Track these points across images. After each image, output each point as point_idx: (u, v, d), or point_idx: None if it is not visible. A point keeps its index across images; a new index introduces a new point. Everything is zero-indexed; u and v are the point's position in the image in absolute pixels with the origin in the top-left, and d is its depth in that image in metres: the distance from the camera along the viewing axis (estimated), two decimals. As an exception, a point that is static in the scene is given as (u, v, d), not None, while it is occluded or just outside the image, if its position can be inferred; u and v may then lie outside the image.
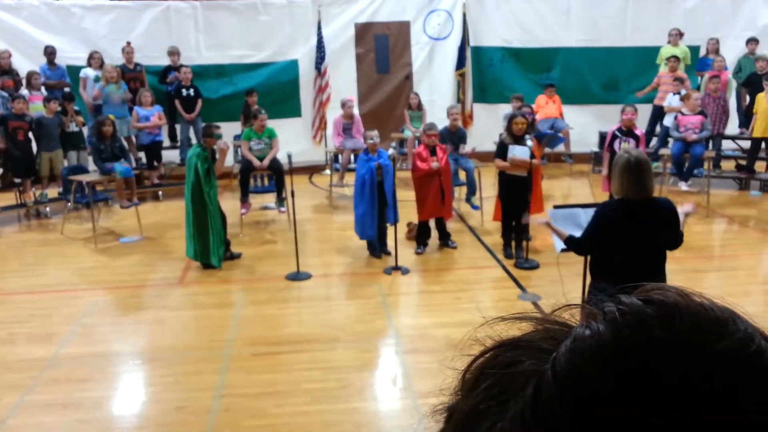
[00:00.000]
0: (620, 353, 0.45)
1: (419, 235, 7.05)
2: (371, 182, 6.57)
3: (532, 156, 6.46)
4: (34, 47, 9.92)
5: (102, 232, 7.91)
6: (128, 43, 9.96)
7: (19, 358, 4.96)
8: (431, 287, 6.32)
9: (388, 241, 6.87)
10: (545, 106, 10.14)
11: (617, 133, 7.61)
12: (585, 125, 10.63)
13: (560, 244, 4.76)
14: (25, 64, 9.70)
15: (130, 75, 9.91)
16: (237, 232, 7.60)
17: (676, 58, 9.87)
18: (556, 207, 4.89)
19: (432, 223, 7.10)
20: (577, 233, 4.35)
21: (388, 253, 6.81)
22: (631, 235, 3.58)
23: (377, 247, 6.89)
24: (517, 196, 6.48)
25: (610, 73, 10.97)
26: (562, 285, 4.92)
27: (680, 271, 5.92)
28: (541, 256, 6.68)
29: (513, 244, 6.75)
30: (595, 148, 10.43)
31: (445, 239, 7.15)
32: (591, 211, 4.39)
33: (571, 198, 9.00)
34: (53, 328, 5.48)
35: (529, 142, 6.43)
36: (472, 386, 0.50)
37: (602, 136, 10.29)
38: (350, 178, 9.51)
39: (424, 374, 4.68)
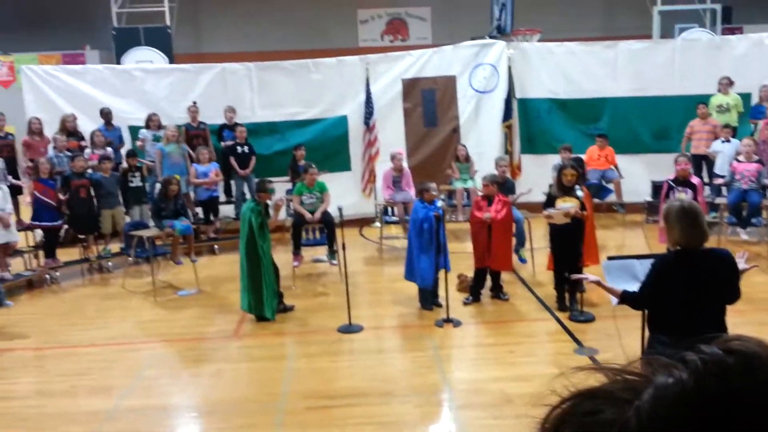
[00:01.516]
0: (703, 401, 0.48)
1: (474, 285, 7.03)
2: (430, 230, 6.62)
3: (583, 207, 6.43)
4: (97, 109, 10.44)
5: (161, 286, 8.15)
6: (194, 103, 10.41)
7: (80, 410, 5.09)
8: (484, 340, 6.27)
9: (440, 292, 6.87)
10: (597, 159, 10.11)
11: (672, 183, 7.53)
12: (636, 175, 10.52)
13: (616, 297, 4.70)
14: (89, 126, 10.22)
15: (194, 132, 10.34)
16: (289, 284, 7.72)
17: (704, 104, 9.87)
18: (610, 258, 4.83)
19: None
20: (633, 285, 4.29)
21: (440, 305, 6.80)
22: (690, 287, 3.52)
23: (430, 297, 6.90)
24: (568, 247, 6.43)
25: (659, 122, 10.89)
26: (619, 338, 4.83)
27: (744, 324, 5.72)
28: (597, 308, 6.57)
29: (567, 296, 6.66)
30: (648, 198, 10.29)
31: (497, 291, 7.12)
32: (646, 263, 4.33)
33: (624, 249, 8.87)
34: (113, 380, 5.62)
35: (580, 192, 6.41)
36: None
37: (654, 186, 10.19)
38: (396, 230, 9.64)
39: (480, 430, 4.62)
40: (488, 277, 7.10)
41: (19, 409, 5.11)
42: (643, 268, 4.48)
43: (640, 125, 10.97)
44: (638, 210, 10.37)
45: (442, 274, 6.63)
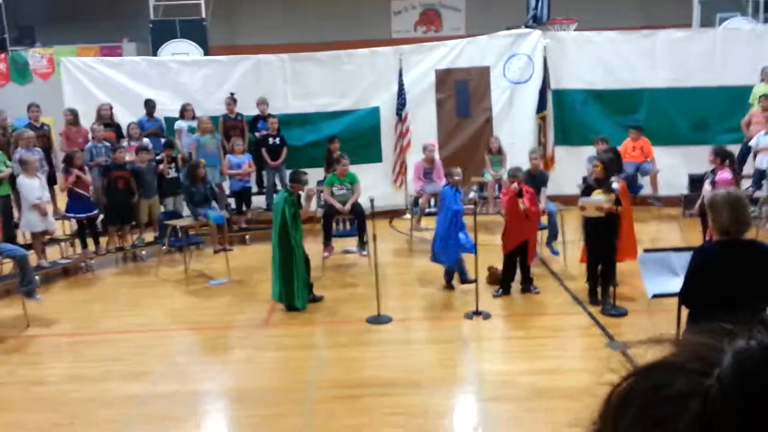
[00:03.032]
0: None
1: (504, 276, 6.95)
2: (456, 214, 6.86)
3: (618, 201, 6.29)
4: (134, 100, 10.61)
5: (193, 275, 8.24)
6: (231, 94, 10.49)
7: (114, 395, 5.18)
8: (514, 333, 6.21)
9: (469, 286, 6.81)
10: (632, 151, 9.89)
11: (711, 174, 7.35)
12: (674, 167, 10.28)
13: (652, 290, 4.60)
14: (126, 116, 10.38)
15: (232, 124, 10.43)
16: (319, 275, 7.74)
17: (767, 97, 9.49)
18: (646, 251, 4.73)
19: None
20: (670, 279, 4.19)
21: (473, 280, 6.71)
22: (733, 278, 3.37)
23: (459, 274, 7.01)
24: (603, 240, 6.31)
25: (699, 113, 10.61)
26: (654, 333, 4.71)
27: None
28: (630, 302, 6.43)
29: (599, 289, 6.54)
30: (685, 191, 10.06)
31: (527, 284, 7.03)
32: (684, 255, 4.22)
33: (659, 242, 8.67)
34: (146, 366, 5.71)
35: (616, 185, 6.28)
36: (616, 413, 0.51)
37: (692, 179, 9.95)
38: (427, 222, 9.57)
39: (509, 423, 4.58)
40: (518, 271, 7.01)
41: (54, 394, 5.22)
42: (681, 261, 4.38)
43: (678, 116, 10.71)
44: (675, 203, 10.14)
45: (471, 264, 6.59)
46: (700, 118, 10.61)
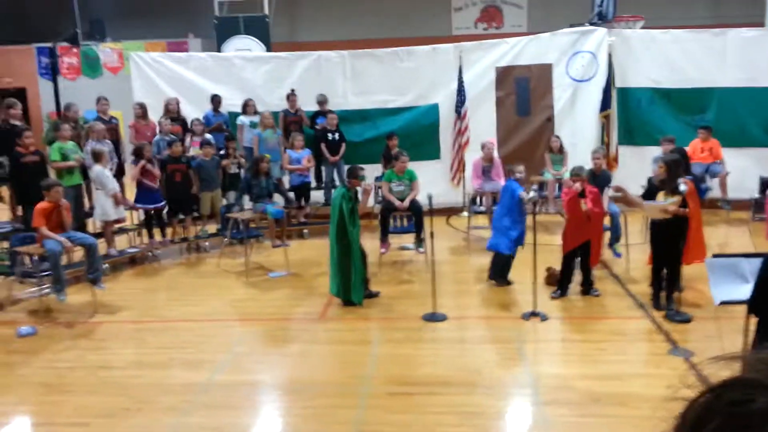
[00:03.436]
0: None
1: (562, 276, 6.84)
2: (518, 204, 7.00)
3: (684, 204, 6.10)
4: (199, 95, 10.89)
5: (253, 267, 8.41)
6: (292, 91, 10.65)
7: (176, 382, 5.34)
8: (572, 336, 6.10)
9: (526, 287, 6.72)
10: (700, 152, 9.56)
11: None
12: (744, 169, 9.89)
13: (720, 296, 4.45)
14: (191, 110, 10.66)
15: (292, 119, 10.59)
16: (376, 271, 7.77)
17: None
18: (715, 256, 4.57)
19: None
20: (740, 285, 4.05)
21: (509, 282, 7.16)
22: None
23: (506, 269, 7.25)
24: (669, 243, 6.13)
25: (771, 114, 10.18)
26: (720, 341, 4.56)
27: None
28: (695, 309, 6.23)
29: (663, 294, 6.35)
30: (756, 194, 9.67)
31: (587, 286, 6.89)
32: (755, 261, 4.08)
33: (728, 248, 8.36)
34: (207, 355, 5.87)
35: (683, 187, 6.09)
36: (694, 428, 0.50)
37: (763, 182, 9.57)
38: (483, 221, 9.49)
39: (565, 428, 4.50)
40: (578, 272, 6.89)
41: (119, 379, 5.41)
42: (752, 267, 4.22)
43: (749, 117, 10.29)
44: (745, 207, 9.76)
45: (528, 264, 6.52)
46: (772, 120, 10.18)
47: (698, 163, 9.43)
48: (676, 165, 6.44)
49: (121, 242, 9.05)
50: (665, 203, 6.11)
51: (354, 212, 6.85)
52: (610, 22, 11.21)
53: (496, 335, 6.13)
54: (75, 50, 16.20)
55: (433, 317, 6.42)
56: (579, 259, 6.84)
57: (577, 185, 6.66)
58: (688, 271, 6.31)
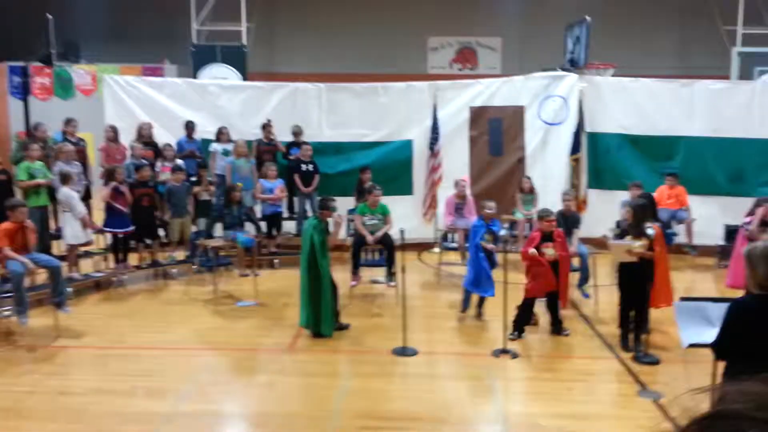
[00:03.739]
0: None
1: (519, 317, 6.73)
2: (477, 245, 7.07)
3: (652, 247, 6.22)
4: (173, 121, 10.81)
5: (221, 295, 8.29)
6: (269, 121, 10.65)
7: (139, 410, 5.19)
8: (542, 374, 6.11)
9: (496, 324, 6.73)
10: (667, 198, 9.80)
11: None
12: (709, 217, 10.14)
13: (688, 339, 4.51)
14: (165, 136, 10.57)
15: (266, 148, 10.57)
16: (346, 303, 7.72)
17: None
18: (683, 299, 4.65)
19: (541, 308, 6.93)
20: (706, 329, 4.13)
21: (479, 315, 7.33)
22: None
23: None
24: (637, 286, 6.23)
25: (736, 164, 10.49)
26: (688, 383, 4.62)
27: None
28: (663, 351, 6.30)
29: (631, 336, 6.43)
30: (721, 241, 9.91)
31: (557, 326, 6.93)
32: (722, 306, 4.15)
33: (694, 291, 8.55)
34: (171, 383, 5.72)
35: (651, 230, 6.22)
36: None
37: (728, 229, 9.82)
38: (455, 257, 9.53)
39: (535, 466, 4.48)
40: (547, 312, 6.93)
41: (79, 405, 5.24)
42: (718, 311, 4.29)
43: (715, 166, 10.60)
44: (711, 253, 9.99)
45: (498, 301, 6.55)
46: (737, 169, 10.50)
47: (665, 209, 9.65)
48: (643, 209, 6.59)
49: (86, 266, 8.85)
50: (631, 244, 6.23)
51: (325, 244, 6.82)
52: (581, 68, 11.53)
53: (467, 372, 6.11)
54: (48, 70, 16.02)
55: (403, 351, 6.38)
56: (546, 300, 6.87)
57: (550, 251, 6.63)
58: (655, 314, 6.40)
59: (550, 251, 6.67)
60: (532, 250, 6.60)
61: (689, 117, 10.75)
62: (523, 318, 6.74)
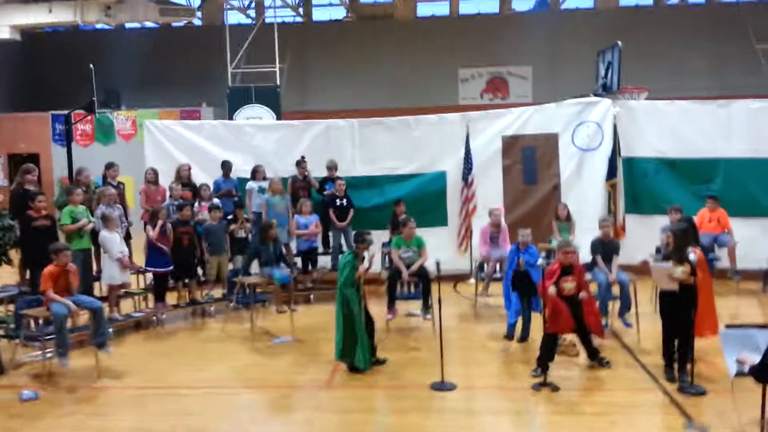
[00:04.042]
0: None
1: (542, 354, 6.48)
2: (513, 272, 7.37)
3: (694, 272, 6.05)
4: (210, 162, 11.05)
5: (259, 332, 8.33)
6: (303, 158, 10.82)
7: (178, 451, 5.20)
8: (583, 408, 5.94)
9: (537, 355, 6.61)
10: (708, 222, 9.57)
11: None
12: (752, 240, 9.86)
13: (736, 369, 4.36)
14: (203, 177, 10.79)
15: (301, 185, 10.71)
16: (383, 337, 7.68)
17: None
18: (728, 327, 4.51)
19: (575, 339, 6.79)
20: (755, 357, 3.98)
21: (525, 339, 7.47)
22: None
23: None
24: (680, 314, 6.04)
25: (778, 184, 10.23)
26: (737, 414, 4.44)
27: None
28: (709, 382, 6.08)
29: (675, 366, 6.22)
30: (765, 265, 9.61)
31: (595, 357, 6.74)
32: (769, 333, 4.02)
33: (739, 318, 8.26)
34: (210, 423, 5.74)
35: (692, 256, 6.06)
36: None
37: (774, 252, 9.54)
38: (495, 289, 9.41)
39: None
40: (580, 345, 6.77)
41: (121, 445, 5.28)
42: (766, 338, 4.16)
43: (756, 187, 10.35)
44: (754, 277, 9.69)
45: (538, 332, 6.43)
46: (780, 190, 10.22)
47: (706, 233, 9.41)
48: (684, 234, 6.42)
49: (126, 306, 9.00)
50: (673, 269, 6.06)
51: (360, 278, 6.82)
52: (614, 93, 11.44)
53: (506, 406, 5.98)
54: (89, 117, 16.62)
55: (441, 386, 6.30)
56: (577, 333, 6.70)
57: (569, 285, 6.53)
58: (700, 343, 6.20)
59: (569, 285, 6.54)
60: (552, 289, 6.44)
61: (727, 138, 10.55)
62: (546, 354, 6.47)
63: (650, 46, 19.84)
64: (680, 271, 6.06)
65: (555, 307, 6.45)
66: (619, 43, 11.25)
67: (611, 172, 10.72)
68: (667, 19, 21.21)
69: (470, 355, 7.38)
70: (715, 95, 14.24)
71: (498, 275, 9.57)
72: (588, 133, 11.02)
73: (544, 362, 6.43)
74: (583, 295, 6.55)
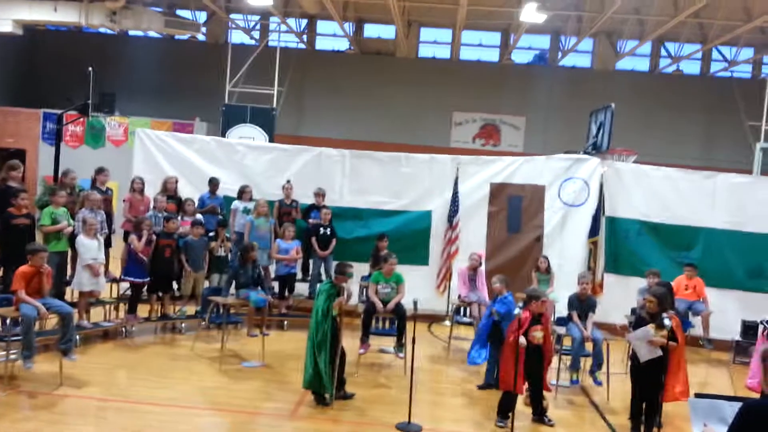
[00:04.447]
0: None
1: (502, 402, 6.46)
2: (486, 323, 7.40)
3: (672, 337, 6.09)
4: (198, 176, 11.01)
5: (228, 354, 8.21)
6: (288, 181, 10.81)
7: (133, 468, 5.07)
8: (548, 463, 5.90)
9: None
10: (684, 289, 9.66)
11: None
12: (726, 311, 9.97)
13: (701, 437, 4.36)
14: (190, 190, 10.74)
15: (286, 209, 10.68)
16: (353, 371, 7.61)
17: None
18: (698, 395, 4.53)
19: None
20: (721, 428, 3.99)
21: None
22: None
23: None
24: (650, 376, 6.07)
25: (756, 259, 10.39)
26: (699, 485, 4.43)
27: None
28: (674, 447, 6.10)
29: (642, 428, 6.22)
30: (737, 337, 9.71)
31: (538, 414, 6.66)
32: (737, 406, 4.03)
33: (708, 387, 8.31)
34: (168, 442, 5.61)
35: (668, 321, 6.11)
36: None
37: (745, 325, 9.64)
38: (466, 332, 9.40)
39: None
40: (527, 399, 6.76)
41: (75, 456, 5.15)
42: (733, 411, 4.17)
43: (735, 260, 10.50)
44: (726, 347, 9.76)
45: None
46: (758, 265, 10.38)
47: (682, 299, 9.50)
48: (665, 298, 6.48)
49: (96, 315, 8.84)
50: (652, 334, 6.10)
51: (329, 308, 6.75)
52: (603, 153, 11.63)
53: (470, 453, 5.93)
54: (81, 119, 16.54)
55: (407, 427, 6.23)
56: (529, 386, 6.66)
57: (538, 334, 6.50)
58: (668, 407, 6.22)
59: (539, 334, 6.52)
60: (522, 340, 6.31)
61: (710, 208, 10.73)
62: (506, 405, 6.41)
63: (643, 111, 20.28)
64: (659, 335, 6.09)
65: (514, 356, 6.32)
66: (613, 105, 11.47)
67: (594, 230, 10.83)
68: (662, 87, 21.73)
69: (438, 397, 7.33)
70: (703, 166, 14.51)
71: (465, 320, 9.58)
72: (575, 188, 11.16)
73: (505, 411, 6.41)
74: (522, 342, 6.38)
